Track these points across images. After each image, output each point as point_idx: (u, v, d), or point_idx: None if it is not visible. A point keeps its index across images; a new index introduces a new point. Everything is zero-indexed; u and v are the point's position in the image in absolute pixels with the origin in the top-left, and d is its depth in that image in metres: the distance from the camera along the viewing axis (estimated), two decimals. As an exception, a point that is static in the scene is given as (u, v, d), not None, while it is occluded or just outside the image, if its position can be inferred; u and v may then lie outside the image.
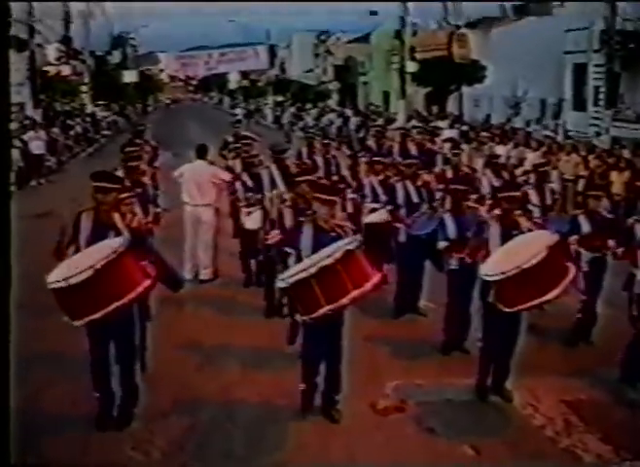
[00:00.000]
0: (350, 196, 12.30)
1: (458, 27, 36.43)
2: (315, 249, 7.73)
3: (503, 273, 7.85)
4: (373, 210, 11.78)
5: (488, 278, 8.12)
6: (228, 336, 10.63)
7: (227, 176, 13.24)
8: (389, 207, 11.60)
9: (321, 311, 7.31)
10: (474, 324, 9.50)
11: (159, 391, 8.57)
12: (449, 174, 14.20)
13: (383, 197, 11.73)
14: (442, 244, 9.87)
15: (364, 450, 7.64)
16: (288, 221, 9.72)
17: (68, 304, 7.19)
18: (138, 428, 7.95)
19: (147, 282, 7.45)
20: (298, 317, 7.72)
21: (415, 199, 11.48)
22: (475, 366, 8.89)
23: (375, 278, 7.50)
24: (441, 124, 29.49)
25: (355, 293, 7.33)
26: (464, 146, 20.04)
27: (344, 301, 7.34)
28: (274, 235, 9.98)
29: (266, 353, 9.88)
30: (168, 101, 60.72)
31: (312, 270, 7.23)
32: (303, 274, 7.26)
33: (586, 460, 7.56)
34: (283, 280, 7.42)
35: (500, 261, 8.12)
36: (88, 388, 8.05)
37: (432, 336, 10.39)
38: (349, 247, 7.38)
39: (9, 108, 6.27)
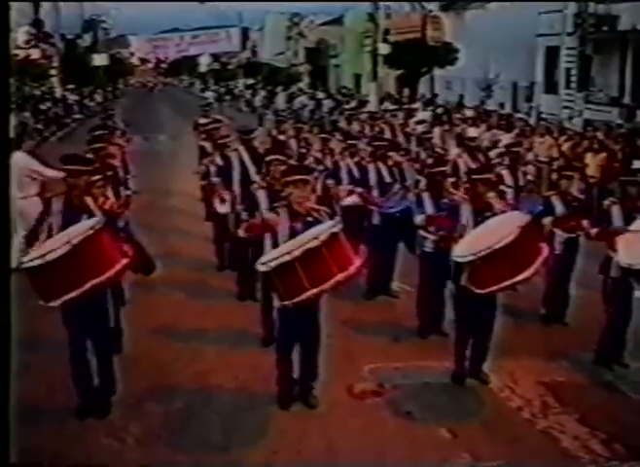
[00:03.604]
0: (328, 181, 12.20)
1: (431, 10, 36.35)
2: (292, 234, 7.63)
3: (474, 254, 7.82)
4: (350, 193, 11.72)
5: (460, 260, 8.08)
6: (202, 320, 10.55)
7: (49, 172, 12.75)
8: (360, 190, 11.55)
9: (305, 295, 7.19)
10: (449, 307, 9.49)
11: (133, 377, 8.48)
12: (423, 155, 14.19)
13: (359, 180, 11.69)
14: (419, 218, 9.78)
15: (342, 435, 7.59)
16: (262, 203, 9.59)
17: (43, 283, 7.03)
18: (113, 415, 7.86)
19: (124, 261, 7.33)
20: (276, 302, 7.61)
21: (388, 180, 11.45)
22: (453, 348, 8.87)
23: (359, 262, 7.42)
24: (415, 105, 29.49)
25: (340, 276, 7.22)
26: (436, 128, 20.08)
27: (329, 284, 7.22)
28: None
29: (241, 337, 9.83)
30: (139, 85, 60.29)
31: (297, 253, 7.07)
32: (287, 257, 7.10)
33: (564, 442, 7.55)
34: (265, 264, 7.26)
35: (472, 242, 8.09)
36: (62, 376, 7.95)
37: (408, 318, 10.36)
38: (334, 230, 7.28)
39: (9, 104, 6.12)
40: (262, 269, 7.33)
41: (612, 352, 9.24)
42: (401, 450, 7.37)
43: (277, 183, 9.37)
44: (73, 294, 7.01)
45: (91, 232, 7.06)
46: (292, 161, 11.37)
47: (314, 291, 7.22)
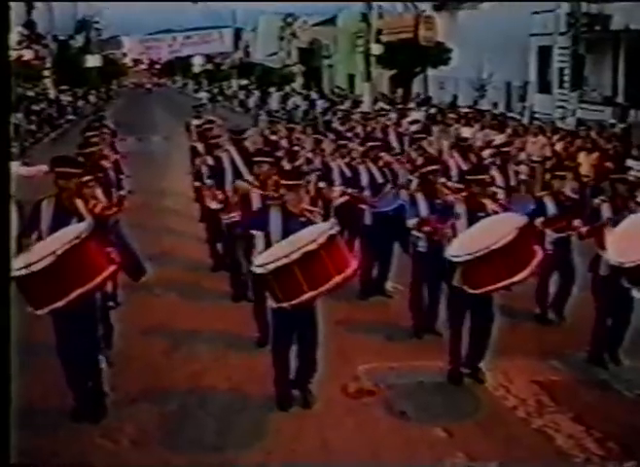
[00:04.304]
0: (320, 184, 12.20)
1: (424, 10, 36.37)
2: (285, 234, 7.62)
3: (470, 254, 7.81)
4: (343, 194, 11.73)
5: (455, 259, 8.07)
6: (196, 321, 10.54)
7: (21, 170, 12.72)
8: (350, 190, 11.55)
9: (304, 298, 7.18)
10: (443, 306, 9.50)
11: (127, 378, 8.48)
12: (414, 155, 14.17)
13: (351, 181, 11.68)
14: (411, 222, 9.78)
15: (336, 435, 7.59)
16: (255, 204, 9.58)
17: (30, 292, 7.01)
18: (107, 416, 7.83)
19: (111, 268, 7.30)
20: (272, 304, 7.55)
21: (380, 180, 11.44)
22: (447, 347, 8.87)
23: (355, 263, 7.41)
24: (408, 106, 29.53)
25: (338, 278, 7.21)
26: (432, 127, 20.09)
27: (327, 286, 7.20)
28: (233, 216, 9.80)
29: (235, 338, 9.82)
30: (132, 86, 60.32)
31: (295, 256, 7.04)
32: (285, 260, 7.06)
33: (559, 441, 7.55)
34: (262, 266, 7.22)
35: (467, 242, 8.08)
36: (58, 379, 7.93)
37: (404, 318, 10.35)
38: (332, 232, 7.26)
39: (9, 104, 6.09)
40: (258, 271, 7.30)
41: (604, 350, 9.25)
42: (395, 450, 7.37)
43: (267, 183, 9.40)
44: (59, 303, 6.99)
45: (77, 241, 6.99)
46: (282, 162, 11.38)
47: (312, 294, 7.21)
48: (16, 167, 12.41)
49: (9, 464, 6.16)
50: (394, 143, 15.99)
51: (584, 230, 9.24)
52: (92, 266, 7.13)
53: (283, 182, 8.06)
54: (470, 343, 8.74)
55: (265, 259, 7.35)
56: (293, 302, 7.23)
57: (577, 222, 9.50)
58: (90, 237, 7.14)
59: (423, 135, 15.39)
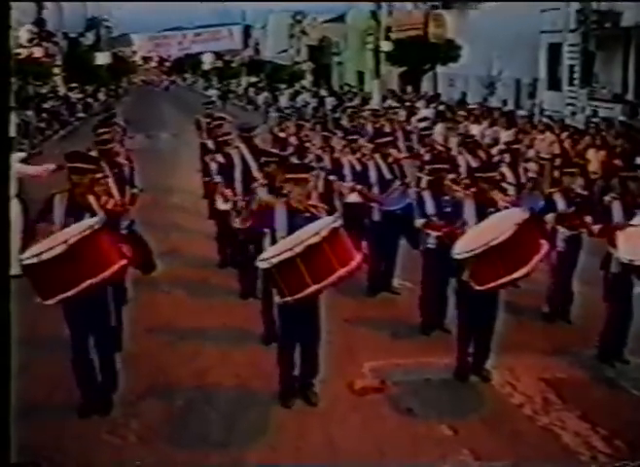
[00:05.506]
0: (330, 177, 12.22)
1: (434, 7, 36.31)
2: (290, 230, 7.62)
3: (471, 251, 7.81)
4: (353, 190, 11.73)
5: (458, 257, 8.06)
6: (203, 318, 10.55)
7: (31, 170, 12.71)
8: (359, 187, 11.55)
9: (308, 291, 7.17)
10: (452, 303, 9.48)
11: (134, 374, 8.49)
12: (423, 152, 14.17)
13: (360, 177, 11.69)
14: (419, 221, 9.78)
15: (342, 432, 7.59)
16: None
17: (40, 281, 7.02)
18: (114, 412, 7.86)
19: (122, 262, 7.31)
20: (277, 299, 7.57)
21: (388, 177, 11.44)
22: (454, 345, 8.85)
23: (359, 256, 7.41)
24: (418, 104, 29.48)
25: (341, 271, 7.21)
26: (439, 125, 20.06)
27: (331, 279, 7.20)
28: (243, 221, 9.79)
29: (242, 335, 9.82)
30: (142, 83, 60.36)
31: (298, 250, 7.03)
32: (289, 254, 7.05)
33: (565, 439, 7.54)
34: (266, 260, 7.22)
35: (470, 239, 8.08)
36: (63, 374, 7.95)
37: (410, 315, 10.34)
38: (335, 225, 7.26)
39: (9, 103, 6.10)
40: (262, 265, 7.30)
41: (614, 348, 9.23)
42: (401, 447, 7.36)
43: (276, 181, 9.39)
44: (68, 293, 7.00)
45: (89, 232, 7.03)
46: (290, 160, 11.38)
47: (316, 287, 7.21)
48: (20, 166, 12.44)
49: (9, 463, 6.18)
50: (401, 141, 15.98)
51: (595, 228, 9.22)
52: (104, 257, 7.15)
53: (288, 176, 8.01)
54: (475, 341, 8.74)
55: (269, 253, 7.37)
56: (297, 296, 7.23)
57: (588, 219, 9.48)
58: (103, 230, 7.18)
59: (429, 132, 15.38)
